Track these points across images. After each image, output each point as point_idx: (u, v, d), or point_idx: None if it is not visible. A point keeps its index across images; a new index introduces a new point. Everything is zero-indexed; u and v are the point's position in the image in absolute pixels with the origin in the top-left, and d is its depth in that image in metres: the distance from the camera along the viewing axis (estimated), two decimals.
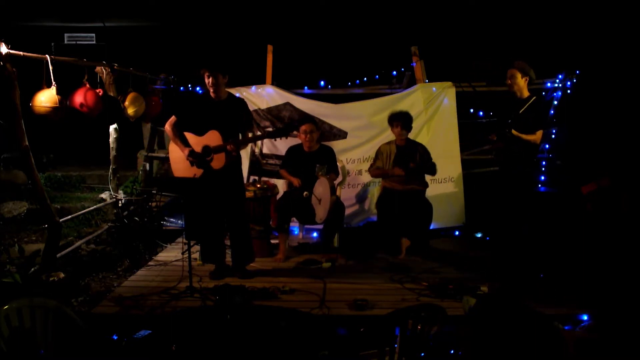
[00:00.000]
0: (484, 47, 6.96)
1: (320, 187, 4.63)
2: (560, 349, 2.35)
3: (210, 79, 3.98)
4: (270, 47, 6.05)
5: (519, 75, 4.19)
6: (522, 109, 4.17)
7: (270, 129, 5.71)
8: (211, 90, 4.04)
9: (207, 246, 4.34)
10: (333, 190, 4.93)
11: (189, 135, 4.11)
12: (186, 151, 4.01)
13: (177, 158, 4.12)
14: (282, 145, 5.78)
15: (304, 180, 4.70)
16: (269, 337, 2.38)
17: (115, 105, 5.06)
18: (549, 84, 5.80)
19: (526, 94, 4.22)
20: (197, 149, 4.03)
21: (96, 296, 4.00)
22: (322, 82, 6.17)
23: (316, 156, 4.87)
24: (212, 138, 4.01)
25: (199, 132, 4.07)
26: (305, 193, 4.59)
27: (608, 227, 4.14)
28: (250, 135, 4.40)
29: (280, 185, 5.32)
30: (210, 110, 4.06)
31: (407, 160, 4.87)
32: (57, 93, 4.17)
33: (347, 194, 5.79)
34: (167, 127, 4.12)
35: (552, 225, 4.43)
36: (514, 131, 4.08)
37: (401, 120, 4.93)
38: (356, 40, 7.71)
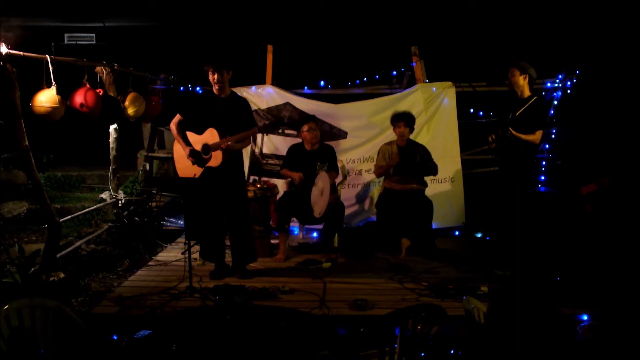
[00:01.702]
0: (484, 47, 6.95)
1: (321, 181, 4.63)
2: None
3: (216, 76, 3.98)
4: (270, 47, 6.05)
5: (517, 73, 4.17)
6: (522, 109, 4.16)
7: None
8: (215, 87, 4.04)
9: (207, 245, 4.35)
10: (334, 188, 4.93)
11: (190, 134, 4.12)
12: (187, 150, 4.03)
13: (181, 157, 4.14)
14: (282, 145, 5.79)
15: (305, 179, 4.71)
16: (269, 337, 2.38)
17: (115, 105, 5.06)
18: (549, 84, 5.81)
19: (527, 93, 4.20)
20: (197, 147, 4.05)
21: (96, 296, 4.00)
22: (322, 82, 6.17)
23: (317, 154, 4.88)
24: (211, 136, 4.02)
25: (200, 131, 4.08)
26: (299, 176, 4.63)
27: (608, 227, 4.14)
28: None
29: (280, 185, 5.32)
30: (212, 108, 4.07)
31: (408, 161, 4.88)
32: (57, 93, 4.17)
33: (347, 194, 5.79)
34: (172, 125, 4.15)
35: (552, 226, 4.43)
36: (513, 131, 4.07)
37: (404, 120, 4.93)
38: (356, 41, 7.70)
